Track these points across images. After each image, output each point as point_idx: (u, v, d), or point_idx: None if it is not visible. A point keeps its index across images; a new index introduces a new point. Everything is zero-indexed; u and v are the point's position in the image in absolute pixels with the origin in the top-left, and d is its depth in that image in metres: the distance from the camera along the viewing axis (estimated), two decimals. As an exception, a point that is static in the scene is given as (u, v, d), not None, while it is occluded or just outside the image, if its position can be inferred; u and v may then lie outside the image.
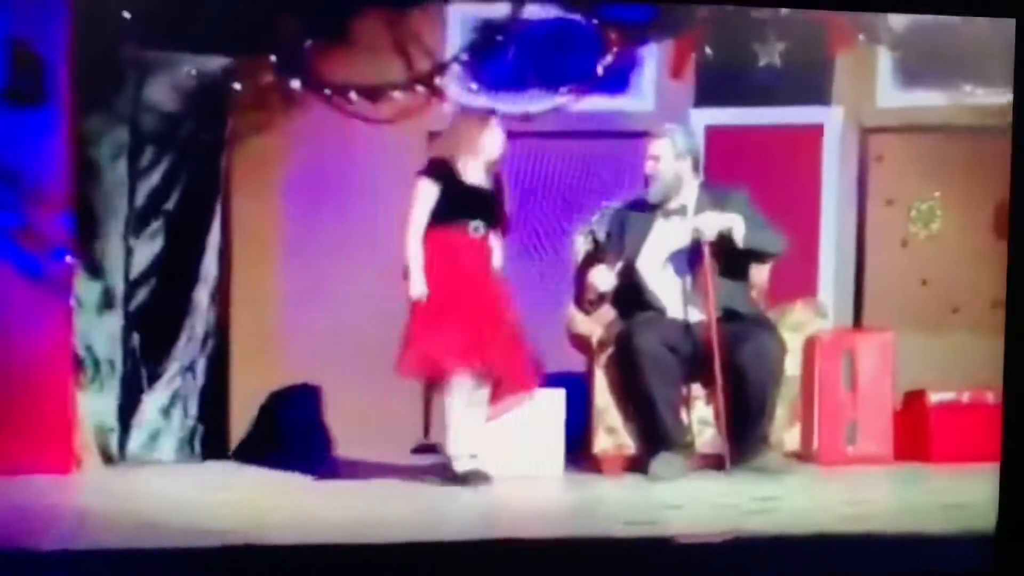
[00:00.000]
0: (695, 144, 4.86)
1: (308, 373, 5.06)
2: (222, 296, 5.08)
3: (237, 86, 4.99)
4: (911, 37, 5.31)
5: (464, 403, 4.56)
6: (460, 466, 4.56)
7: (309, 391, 5.06)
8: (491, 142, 4.64)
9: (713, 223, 4.69)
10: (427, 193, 4.61)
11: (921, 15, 5.07)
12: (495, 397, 4.63)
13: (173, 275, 5.01)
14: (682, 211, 4.79)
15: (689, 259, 4.77)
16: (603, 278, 4.78)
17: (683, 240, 4.77)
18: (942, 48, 5.26)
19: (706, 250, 4.69)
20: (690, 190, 4.80)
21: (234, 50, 4.93)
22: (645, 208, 4.84)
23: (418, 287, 4.57)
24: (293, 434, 5.04)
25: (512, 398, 4.64)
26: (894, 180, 5.43)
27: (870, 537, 4.03)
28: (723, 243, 4.70)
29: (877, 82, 5.40)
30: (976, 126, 5.31)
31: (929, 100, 5.36)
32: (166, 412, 5.00)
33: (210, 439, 5.05)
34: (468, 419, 4.58)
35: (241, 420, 5.09)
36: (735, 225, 4.68)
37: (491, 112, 4.73)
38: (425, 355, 4.51)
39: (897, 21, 5.28)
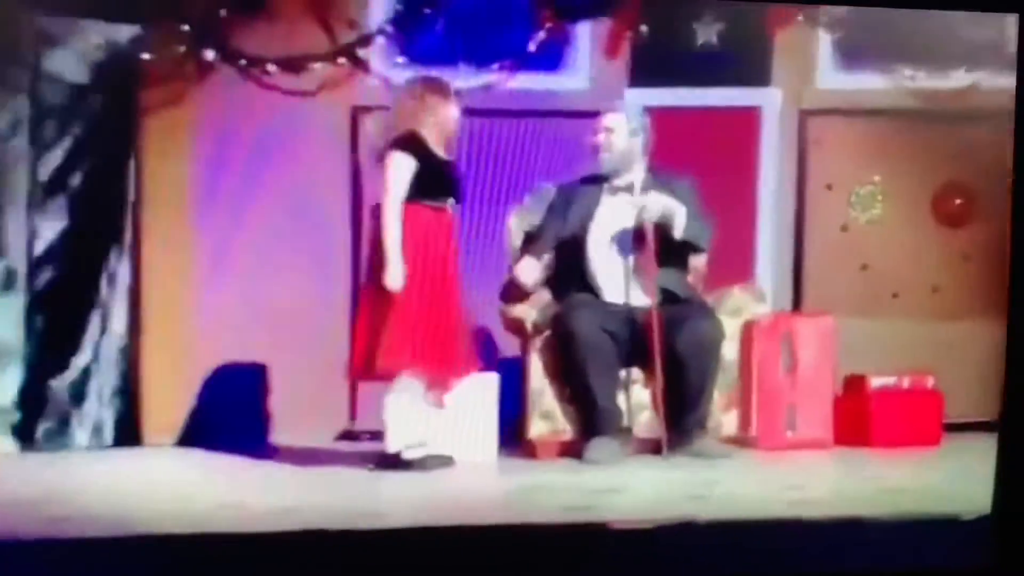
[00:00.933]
0: (648, 125, 4.75)
1: (224, 355, 4.90)
2: (133, 276, 4.88)
3: (147, 56, 4.78)
4: (851, 19, 5.26)
5: (409, 395, 4.38)
6: (412, 454, 4.39)
7: (227, 373, 4.88)
8: (454, 115, 4.46)
9: (658, 204, 4.60)
10: (404, 168, 4.33)
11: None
12: (441, 384, 4.44)
13: (81, 254, 4.79)
14: (629, 189, 4.70)
15: (631, 240, 4.67)
16: (528, 271, 4.66)
17: (627, 219, 4.67)
18: (883, 30, 5.22)
19: (650, 231, 4.57)
20: (639, 170, 4.71)
21: (144, 19, 4.73)
22: (592, 183, 4.74)
23: (398, 276, 4.29)
24: (213, 418, 4.86)
25: (457, 382, 4.47)
26: (834, 164, 5.38)
27: (809, 522, 3.92)
28: (663, 228, 4.60)
29: (817, 64, 5.35)
30: (917, 110, 5.32)
31: (869, 83, 5.32)
32: (75, 397, 4.80)
33: (122, 425, 4.85)
34: (412, 409, 4.39)
35: (154, 405, 4.90)
36: (677, 212, 4.58)
37: (448, 83, 4.52)
38: (391, 355, 4.29)
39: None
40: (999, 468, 4.20)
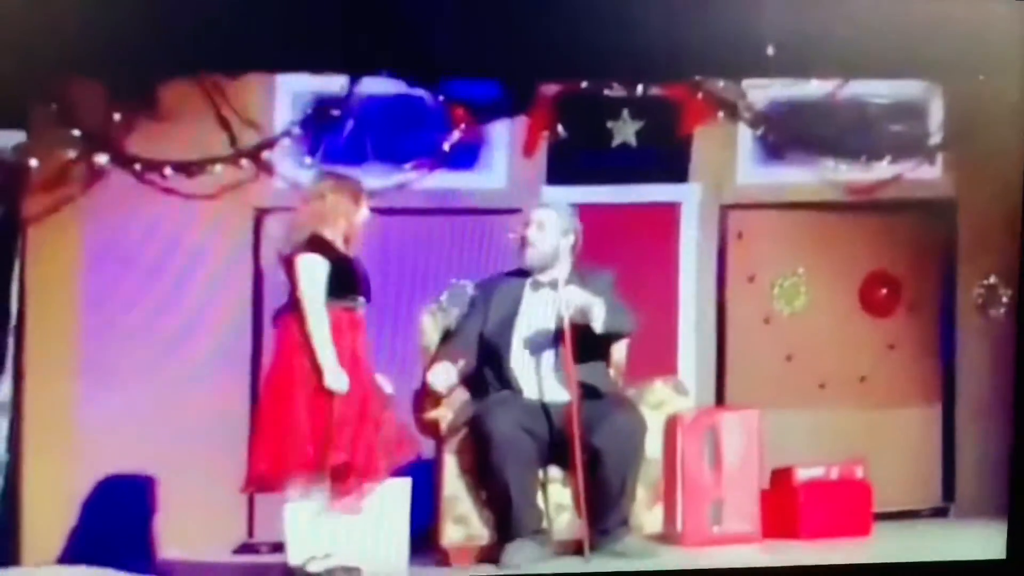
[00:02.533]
0: (578, 225, 4.72)
1: (109, 468, 4.69)
2: (14, 388, 4.68)
3: (34, 163, 4.67)
4: (772, 114, 5.27)
5: (312, 503, 4.23)
6: (317, 566, 4.22)
7: (113, 486, 4.69)
8: (364, 215, 4.42)
9: (576, 298, 4.53)
10: (318, 270, 4.26)
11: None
12: (356, 489, 4.28)
13: None
14: (552, 284, 4.64)
15: (551, 336, 4.60)
16: (442, 377, 4.54)
17: (549, 315, 4.61)
18: (805, 124, 5.24)
19: (567, 326, 4.50)
20: (564, 267, 4.67)
21: (30, 124, 4.63)
22: (514, 279, 4.69)
23: (340, 377, 4.20)
24: (98, 533, 4.66)
25: (368, 486, 4.30)
26: (756, 257, 5.36)
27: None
28: (581, 322, 4.52)
29: (737, 159, 5.33)
30: (839, 202, 5.29)
31: (792, 176, 5.32)
32: None
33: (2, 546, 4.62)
34: (316, 518, 4.24)
35: (35, 521, 4.68)
36: (595, 306, 4.51)
37: (354, 179, 4.49)
38: (298, 463, 4.16)
39: (757, 98, 5.25)
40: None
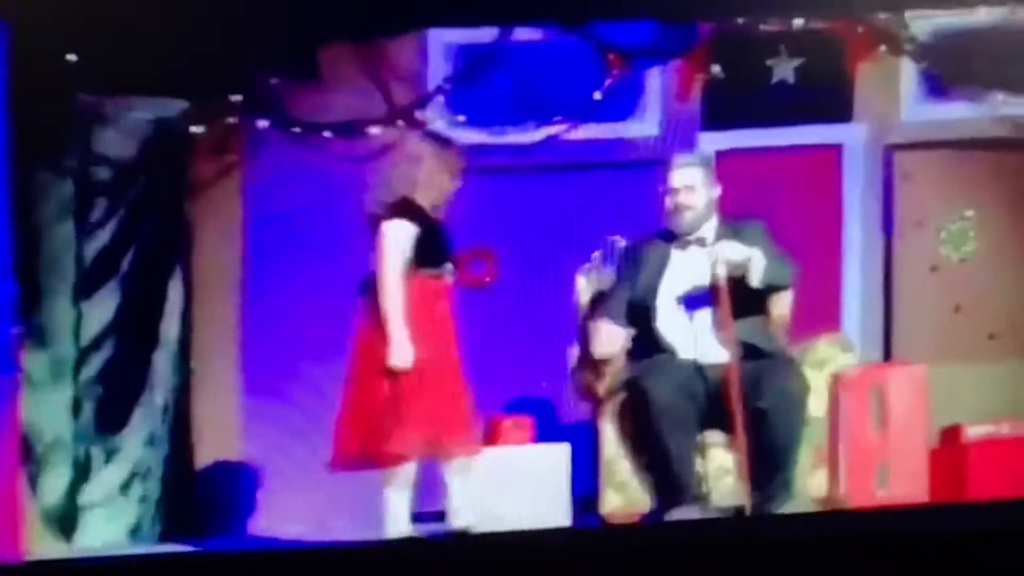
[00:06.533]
0: (716, 174, 4.61)
1: (274, 444, 4.67)
2: (183, 360, 4.71)
3: (198, 130, 4.68)
4: (937, 46, 5.05)
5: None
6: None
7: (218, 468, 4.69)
8: (458, 182, 4.35)
9: (731, 254, 4.42)
10: (404, 238, 4.19)
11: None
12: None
13: (129, 340, 4.63)
14: (701, 242, 4.54)
15: (706, 294, 4.49)
16: (611, 339, 4.47)
17: (701, 273, 4.50)
18: (972, 56, 5.00)
19: (723, 283, 4.40)
20: (712, 221, 4.57)
21: (194, 92, 4.63)
22: (662, 239, 4.59)
23: (405, 353, 4.14)
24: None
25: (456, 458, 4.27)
26: (923, 200, 5.14)
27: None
28: (739, 277, 4.42)
29: (902, 95, 5.13)
30: (1012, 139, 5.07)
31: (959, 112, 5.09)
32: (123, 490, 4.64)
33: (172, 519, 4.66)
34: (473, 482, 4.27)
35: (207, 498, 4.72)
36: (753, 258, 4.40)
37: (455, 144, 4.44)
38: (393, 440, 4.14)
39: (920, 29, 5.03)
40: None
